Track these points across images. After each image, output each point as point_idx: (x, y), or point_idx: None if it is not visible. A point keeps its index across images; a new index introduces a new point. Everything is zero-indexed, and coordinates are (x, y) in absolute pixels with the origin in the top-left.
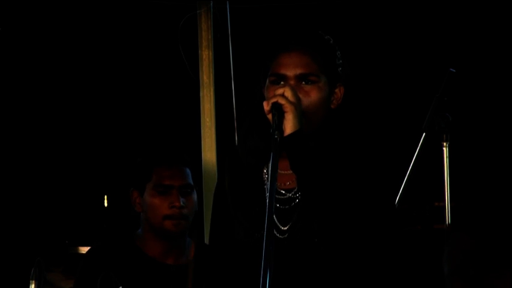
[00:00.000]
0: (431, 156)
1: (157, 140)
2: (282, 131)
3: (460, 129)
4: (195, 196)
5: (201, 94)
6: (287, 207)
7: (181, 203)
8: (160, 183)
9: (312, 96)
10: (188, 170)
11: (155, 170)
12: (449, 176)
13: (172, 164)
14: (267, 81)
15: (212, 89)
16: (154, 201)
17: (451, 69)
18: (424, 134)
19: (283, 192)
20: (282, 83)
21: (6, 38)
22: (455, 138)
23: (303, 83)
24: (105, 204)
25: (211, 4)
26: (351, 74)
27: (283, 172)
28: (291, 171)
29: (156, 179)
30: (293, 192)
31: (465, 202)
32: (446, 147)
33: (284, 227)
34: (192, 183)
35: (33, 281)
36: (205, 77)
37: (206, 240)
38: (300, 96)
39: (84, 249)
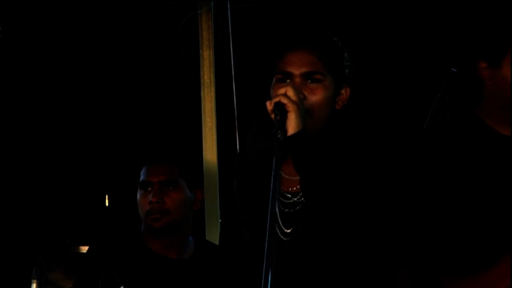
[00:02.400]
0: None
1: (153, 139)
2: (285, 130)
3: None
4: (182, 192)
5: (202, 94)
6: (292, 210)
7: (158, 199)
8: (142, 180)
9: (317, 94)
10: (174, 166)
11: (142, 169)
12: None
13: (154, 161)
14: (274, 79)
15: (213, 89)
16: (139, 199)
17: (453, 69)
18: None
19: (289, 196)
20: (288, 81)
21: (7, 37)
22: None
23: (309, 81)
24: (106, 204)
25: (212, 4)
26: (358, 76)
27: (289, 177)
28: (298, 177)
29: (141, 177)
30: (298, 196)
31: None
32: None
33: (288, 229)
34: (176, 179)
35: (35, 281)
36: (206, 77)
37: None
38: (305, 94)
39: (85, 249)
